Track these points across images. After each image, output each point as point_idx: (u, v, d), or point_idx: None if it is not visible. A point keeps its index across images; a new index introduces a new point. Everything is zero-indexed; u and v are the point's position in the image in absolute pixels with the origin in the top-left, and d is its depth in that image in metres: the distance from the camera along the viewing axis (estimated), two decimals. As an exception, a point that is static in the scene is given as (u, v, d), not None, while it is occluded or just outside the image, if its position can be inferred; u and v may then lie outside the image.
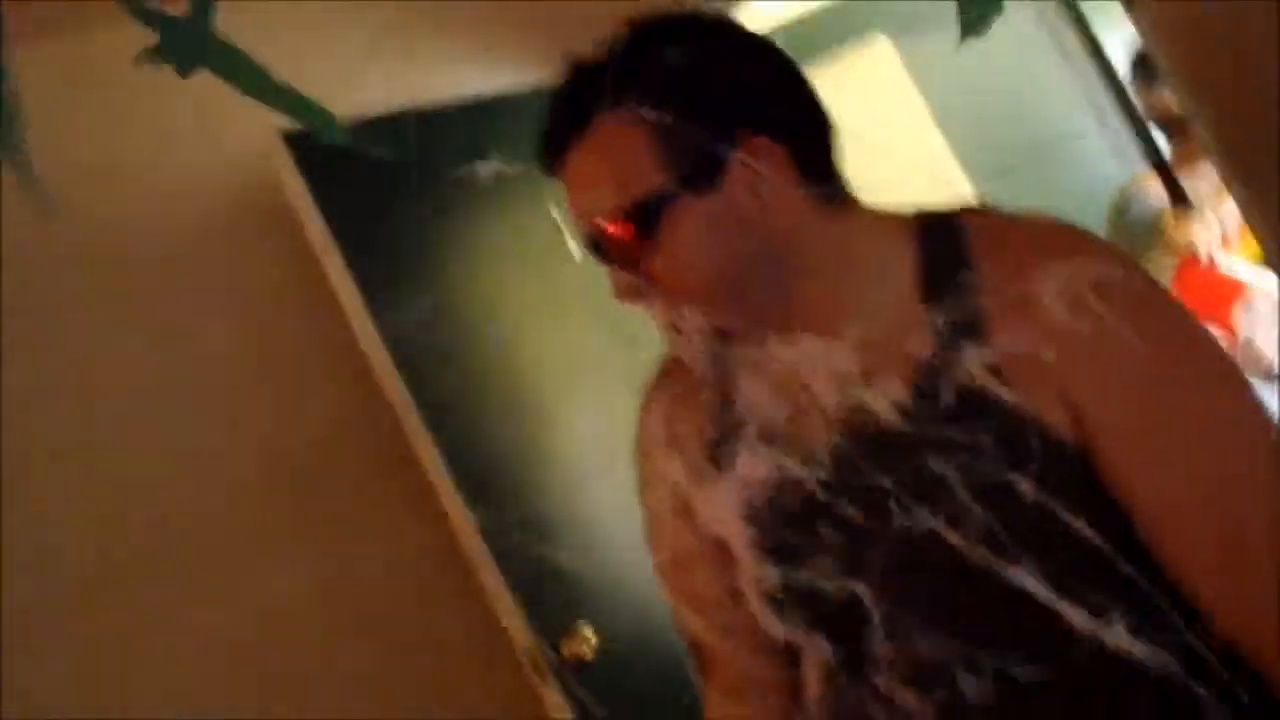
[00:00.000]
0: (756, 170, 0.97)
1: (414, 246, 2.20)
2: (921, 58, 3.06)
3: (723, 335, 1.00)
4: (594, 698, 2.06)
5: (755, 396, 1.03)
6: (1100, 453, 0.92)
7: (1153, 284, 0.98)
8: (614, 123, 0.97)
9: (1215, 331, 2.24)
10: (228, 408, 2.02)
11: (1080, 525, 0.92)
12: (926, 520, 0.94)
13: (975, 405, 0.93)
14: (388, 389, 2.11)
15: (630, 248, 0.98)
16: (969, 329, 0.94)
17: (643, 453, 1.13)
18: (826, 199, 1.01)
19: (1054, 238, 0.98)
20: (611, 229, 0.98)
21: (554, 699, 2.07)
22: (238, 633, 1.95)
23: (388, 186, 2.17)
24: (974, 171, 3.12)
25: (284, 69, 1.71)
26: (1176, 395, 0.93)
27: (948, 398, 0.94)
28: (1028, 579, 0.92)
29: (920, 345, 0.96)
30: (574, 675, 2.07)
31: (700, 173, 0.96)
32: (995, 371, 0.92)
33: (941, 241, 0.99)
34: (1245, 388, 0.98)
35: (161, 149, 2.03)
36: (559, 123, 1.00)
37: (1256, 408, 0.96)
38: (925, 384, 0.95)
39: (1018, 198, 3.17)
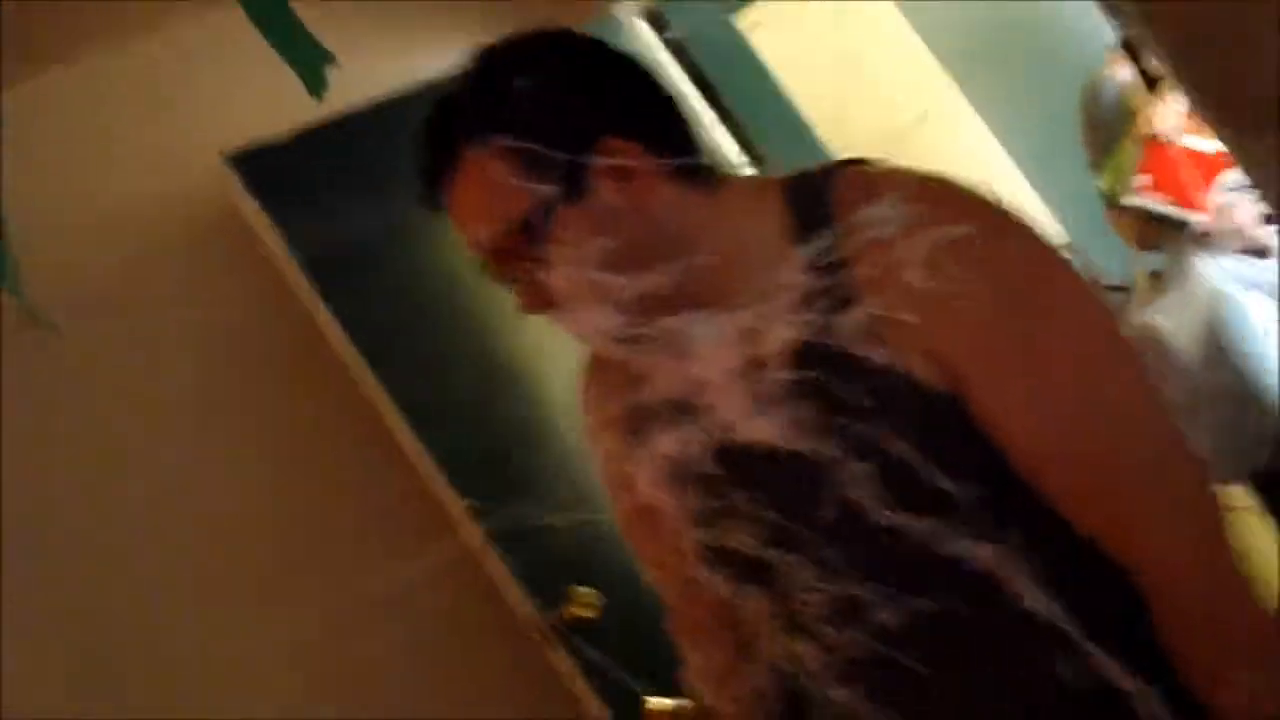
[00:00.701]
0: (619, 168, 1.03)
1: (372, 242, 2.25)
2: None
3: (627, 320, 1.05)
4: (604, 655, 2.13)
5: (662, 373, 1.10)
6: (971, 401, 0.98)
7: (1007, 234, 1.01)
8: (478, 153, 1.03)
9: (1193, 213, 2.18)
10: (210, 429, 2.12)
11: (946, 481, 0.98)
12: (820, 476, 1.01)
13: (852, 366, 0.99)
14: (365, 387, 2.19)
15: (521, 266, 1.05)
16: (839, 294, 1.00)
17: (586, 432, 1.22)
18: (693, 177, 1.06)
19: (910, 197, 1.00)
20: (499, 253, 1.05)
21: (562, 662, 2.15)
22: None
23: (339, 188, 2.22)
24: (953, 66, 3.05)
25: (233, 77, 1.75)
26: (1033, 339, 0.98)
27: (828, 360, 1.00)
28: (913, 523, 0.99)
29: (799, 312, 1.01)
30: (581, 636, 2.15)
31: (567, 184, 1.02)
32: (867, 333, 0.99)
33: (809, 206, 1.04)
34: (1106, 320, 1.02)
35: (111, 187, 2.11)
36: (430, 161, 1.06)
37: (1119, 340, 1.02)
38: (807, 349, 1.01)
39: (1002, 87, 3.06)
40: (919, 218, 0.97)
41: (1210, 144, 2.15)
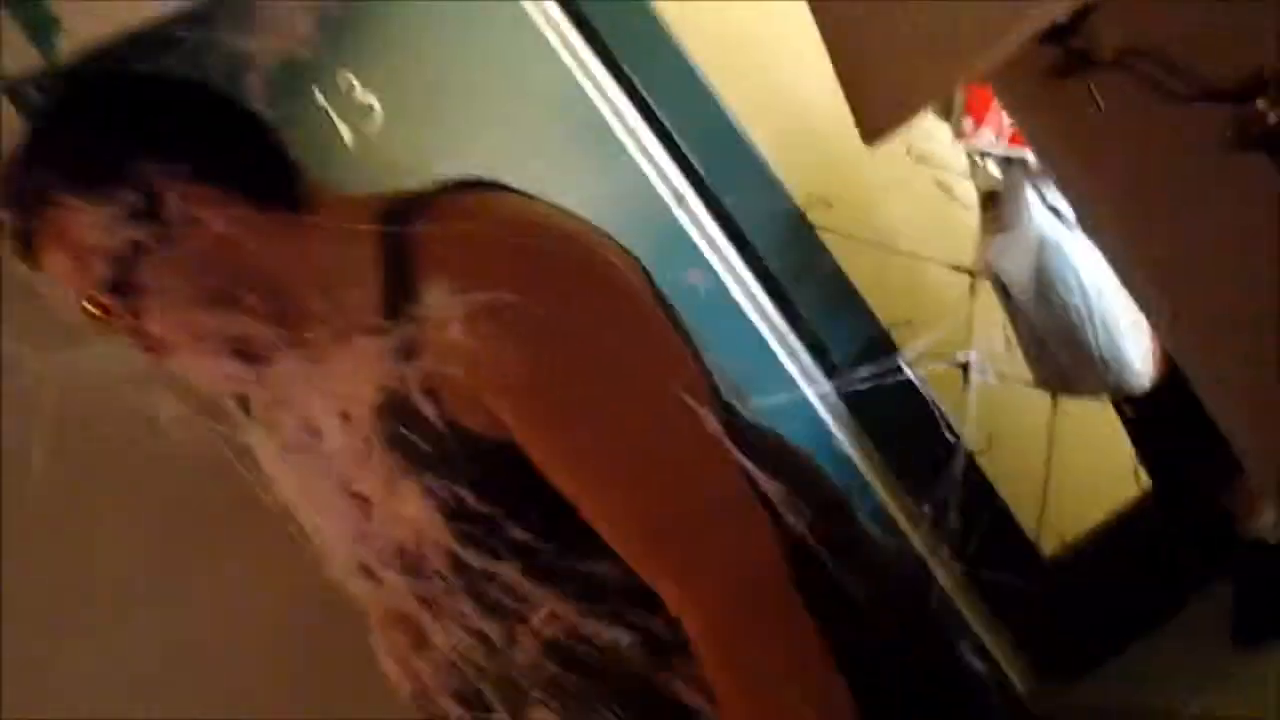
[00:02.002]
0: (197, 213, 1.04)
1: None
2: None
3: (233, 364, 1.07)
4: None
5: (275, 411, 1.11)
6: (524, 449, 1.03)
7: (546, 294, 1.01)
8: (54, 215, 1.04)
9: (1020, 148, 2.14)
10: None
11: (515, 528, 1.03)
12: (408, 524, 1.06)
13: (417, 418, 1.03)
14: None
15: (124, 317, 1.08)
16: (408, 350, 1.02)
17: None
18: (277, 204, 1.08)
19: (470, 262, 1.03)
20: (99, 308, 1.07)
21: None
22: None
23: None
24: None
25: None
26: (575, 392, 1.02)
27: (402, 412, 1.03)
28: (495, 568, 1.04)
29: (379, 362, 1.04)
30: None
31: (145, 235, 1.04)
32: (426, 390, 1.02)
33: (396, 255, 1.05)
34: (660, 369, 1.05)
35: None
36: (12, 230, 1.07)
37: (673, 387, 1.03)
38: (387, 401, 1.04)
39: None
40: (464, 284, 0.99)
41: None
